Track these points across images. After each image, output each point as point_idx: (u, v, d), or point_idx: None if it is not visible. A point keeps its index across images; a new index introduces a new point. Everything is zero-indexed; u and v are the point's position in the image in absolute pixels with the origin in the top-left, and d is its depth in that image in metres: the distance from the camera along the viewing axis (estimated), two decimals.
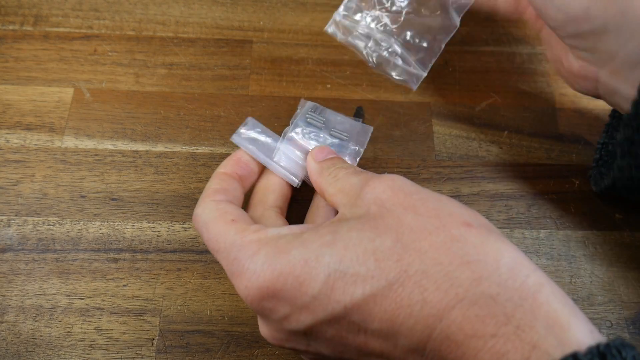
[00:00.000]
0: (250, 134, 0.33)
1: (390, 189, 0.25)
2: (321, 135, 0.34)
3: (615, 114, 0.36)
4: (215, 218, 0.27)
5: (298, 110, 0.36)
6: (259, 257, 0.24)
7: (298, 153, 0.33)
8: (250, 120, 0.34)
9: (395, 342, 0.23)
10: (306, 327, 0.24)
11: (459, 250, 0.23)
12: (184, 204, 0.36)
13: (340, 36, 0.35)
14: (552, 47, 0.36)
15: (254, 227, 0.26)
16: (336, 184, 0.28)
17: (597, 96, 0.34)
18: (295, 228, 0.26)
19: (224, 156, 0.38)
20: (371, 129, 0.36)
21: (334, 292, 0.23)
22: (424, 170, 0.38)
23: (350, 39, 0.35)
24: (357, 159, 0.34)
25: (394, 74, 0.35)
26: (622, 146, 0.30)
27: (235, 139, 0.33)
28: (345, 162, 0.31)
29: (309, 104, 0.36)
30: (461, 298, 0.22)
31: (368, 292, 0.23)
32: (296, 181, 0.33)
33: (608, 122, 0.36)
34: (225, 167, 0.32)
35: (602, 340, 0.20)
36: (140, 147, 0.38)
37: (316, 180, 0.30)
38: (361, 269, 0.23)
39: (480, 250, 0.23)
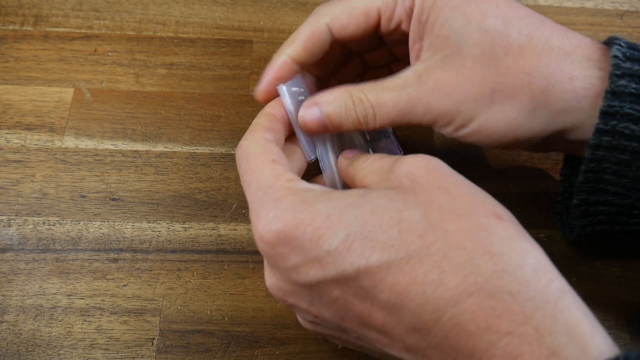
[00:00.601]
0: (294, 89, 0.32)
1: (424, 166, 0.25)
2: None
3: (566, 159, 0.34)
4: (258, 153, 0.27)
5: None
6: (283, 202, 0.24)
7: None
8: (298, 77, 0.32)
9: (399, 318, 0.22)
10: (313, 281, 0.24)
11: (485, 239, 0.22)
12: (184, 204, 0.36)
13: None
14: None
15: (290, 175, 0.26)
16: (366, 167, 0.28)
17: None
18: (326, 188, 0.26)
19: (224, 156, 0.38)
20: None
21: (350, 252, 0.23)
22: None
23: None
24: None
25: None
26: (580, 209, 0.30)
27: (282, 89, 0.31)
28: (371, 154, 0.30)
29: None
30: (479, 287, 0.21)
31: (385, 259, 0.22)
32: (311, 156, 0.31)
33: (562, 168, 0.35)
34: (273, 108, 0.31)
35: (621, 353, 0.20)
36: (140, 147, 0.38)
37: (347, 171, 0.29)
38: (383, 236, 0.22)
39: (506, 244, 0.22)
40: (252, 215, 0.25)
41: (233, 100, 0.40)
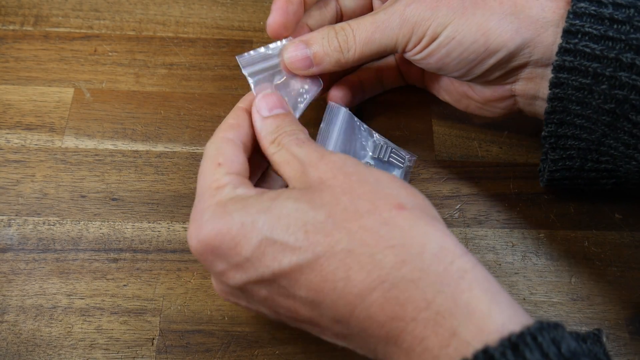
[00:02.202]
0: (254, 67, 0.32)
1: (331, 170, 0.26)
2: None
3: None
4: (209, 155, 0.28)
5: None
6: (206, 212, 0.26)
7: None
8: (244, 56, 0.32)
9: (320, 312, 0.24)
10: (240, 284, 0.25)
11: (386, 233, 0.23)
12: (184, 204, 0.36)
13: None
14: (450, 92, 0.36)
15: (226, 179, 0.27)
16: (280, 154, 0.28)
17: (516, 111, 0.34)
18: (251, 190, 0.27)
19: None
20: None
21: (264, 257, 0.24)
22: (423, 170, 0.38)
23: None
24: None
25: None
26: (549, 140, 0.32)
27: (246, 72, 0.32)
28: (290, 120, 0.30)
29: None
30: (382, 280, 0.22)
31: (294, 262, 0.23)
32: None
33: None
34: (244, 101, 0.31)
35: (517, 328, 0.20)
36: (140, 147, 0.38)
37: (261, 143, 0.29)
38: (290, 238, 0.24)
39: (407, 234, 0.23)
40: (192, 218, 0.27)
41: (233, 100, 0.40)
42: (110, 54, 0.41)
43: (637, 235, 0.37)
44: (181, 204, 0.36)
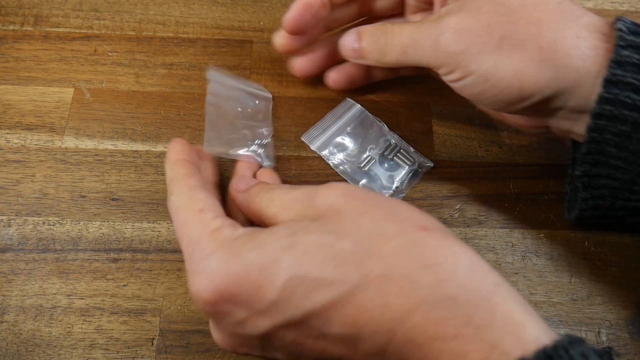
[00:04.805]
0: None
1: (342, 196, 0.25)
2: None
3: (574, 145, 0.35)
4: (185, 205, 0.27)
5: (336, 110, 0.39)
6: (213, 258, 0.24)
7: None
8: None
9: (355, 347, 0.23)
10: (263, 332, 0.24)
11: (418, 254, 0.23)
12: None
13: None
14: (491, 112, 0.37)
15: (217, 222, 0.26)
16: (274, 204, 0.27)
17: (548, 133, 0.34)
18: (249, 229, 0.26)
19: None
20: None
21: (293, 297, 0.22)
22: (424, 170, 0.38)
23: None
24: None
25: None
26: (582, 180, 0.31)
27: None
28: (270, 184, 0.30)
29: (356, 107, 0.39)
30: (423, 301, 0.22)
31: (329, 298, 0.22)
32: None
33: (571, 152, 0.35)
34: (180, 153, 0.31)
35: (548, 341, 0.21)
36: (140, 147, 0.38)
37: (249, 209, 0.29)
38: (321, 274, 0.22)
39: (439, 253, 0.23)
40: (188, 275, 0.25)
41: None
42: (110, 54, 0.41)
43: (637, 235, 0.37)
44: None
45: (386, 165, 0.37)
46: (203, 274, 0.24)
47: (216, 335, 0.27)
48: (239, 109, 0.38)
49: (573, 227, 0.36)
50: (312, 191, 0.26)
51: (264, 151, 0.36)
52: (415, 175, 0.37)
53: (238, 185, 0.31)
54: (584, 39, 0.28)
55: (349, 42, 0.34)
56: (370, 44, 0.33)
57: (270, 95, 0.40)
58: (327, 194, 0.25)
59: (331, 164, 0.37)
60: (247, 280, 0.23)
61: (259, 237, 0.24)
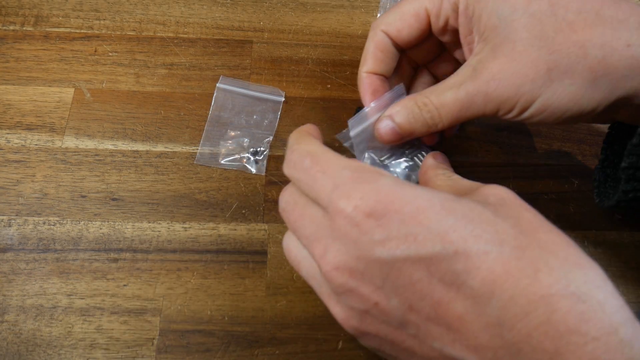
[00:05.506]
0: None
1: (507, 192, 0.25)
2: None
3: (612, 127, 0.35)
4: (324, 150, 0.26)
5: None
6: (385, 179, 0.24)
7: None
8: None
9: (483, 310, 0.22)
10: (399, 258, 0.23)
11: (574, 253, 0.23)
12: (184, 204, 0.36)
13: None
14: None
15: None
16: (448, 181, 0.28)
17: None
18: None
19: (224, 156, 0.38)
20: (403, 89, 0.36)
21: (451, 233, 0.22)
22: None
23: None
24: None
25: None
26: (627, 172, 0.30)
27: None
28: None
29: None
30: (572, 292, 0.21)
31: (484, 248, 0.22)
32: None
33: (607, 135, 0.35)
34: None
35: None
36: (140, 147, 0.38)
37: (427, 172, 0.30)
38: (481, 231, 0.22)
39: (592, 261, 0.24)
40: (344, 188, 0.24)
41: None
42: (110, 54, 0.41)
43: (637, 235, 0.37)
44: (181, 204, 0.36)
45: (405, 165, 0.36)
46: (373, 186, 0.24)
47: (335, 256, 0.24)
48: (243, 119, 0.38)
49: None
50: (479, 184, 0.27)
51: (254, 159, 0.37)
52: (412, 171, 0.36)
53: (437, 155, 0.32)
54: (635, 46, 0.27)
55: (385, 128, 0.33)
56: (410, 122, 0.32)
57: (283, 98, 0.40)
58: (494, 187, 0.26)
59: (356, 152, 0.36)
60: (412, 203, 0.23)
61: (427, 187, 0.25)
